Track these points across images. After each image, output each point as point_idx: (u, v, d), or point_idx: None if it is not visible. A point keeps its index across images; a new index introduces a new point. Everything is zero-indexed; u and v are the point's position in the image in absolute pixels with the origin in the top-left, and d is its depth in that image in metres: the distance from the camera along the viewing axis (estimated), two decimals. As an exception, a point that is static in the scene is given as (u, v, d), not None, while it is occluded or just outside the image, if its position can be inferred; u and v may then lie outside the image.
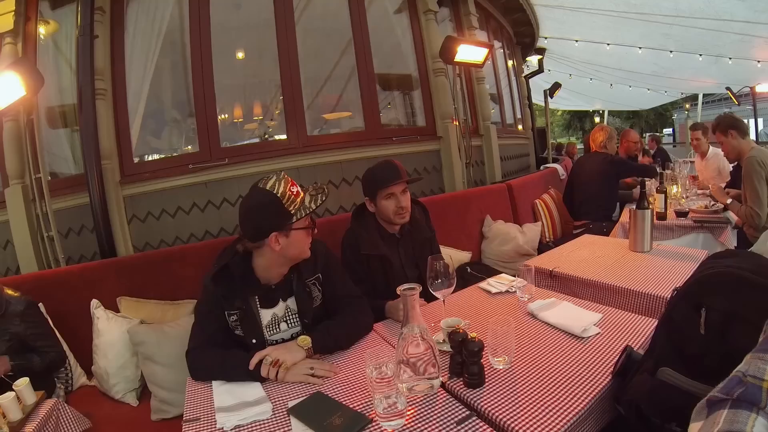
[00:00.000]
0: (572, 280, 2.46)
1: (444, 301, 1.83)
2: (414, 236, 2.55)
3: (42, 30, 3.76)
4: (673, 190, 4.12)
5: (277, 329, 1.97)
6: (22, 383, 1.87)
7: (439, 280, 1.75)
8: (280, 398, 1.55)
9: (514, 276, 2.38)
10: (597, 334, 1.73)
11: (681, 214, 3.65)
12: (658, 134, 11.38)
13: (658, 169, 4.76)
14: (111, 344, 2.58)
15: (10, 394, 1.76)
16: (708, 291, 1.24)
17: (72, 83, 3.60)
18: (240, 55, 4.34)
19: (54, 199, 3.50)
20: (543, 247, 4.03)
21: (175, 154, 4.20)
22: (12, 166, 3.46)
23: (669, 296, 2.01)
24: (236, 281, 1.88)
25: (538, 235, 4.13)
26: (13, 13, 3.51)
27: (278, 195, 1.78)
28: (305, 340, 1.78)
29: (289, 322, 1.99)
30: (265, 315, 1.96)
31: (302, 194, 1.87)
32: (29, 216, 3.45)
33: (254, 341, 1.90)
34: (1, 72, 3.01)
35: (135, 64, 3.67)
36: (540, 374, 1.49)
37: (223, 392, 1.64)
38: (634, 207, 2.83)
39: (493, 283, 2.35)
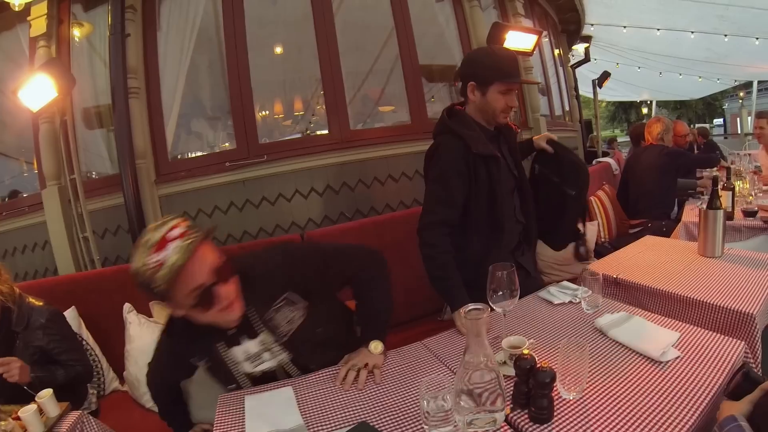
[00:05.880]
0: (639, 289, 2.21)
1: (504, 314, 1.63)
2: (506, 135, 2.25)
3: (77, 32, 3.77)
4: (739, 186, 3.78)
5: (259, 359, 1.72)
6: (45, 395, 1.79)
7: (501, 293, 1.55)
8: (320, 427, 1.38)
9: (571, 281, 2.18)
10: (677, 357, 1.48)
11: (749, 213, 3.32)
12: (705, 125, 10.78)
13: (721, 161, 4.44)
14: (142, 351, 2.49)
15: (32, 407, 1.69)
16: None
17: (108, 83, 3.55)
18: (278, 50, 4.25)
19: (91, 199, 3.51)
20: (599, 249, 3.79)
21: (211, 152, 4.12)
22: (48, 167, 3.51)
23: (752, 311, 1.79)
24: (192, 331, 1.60)
25: (595, 236, 3.87)
26: (45, 16, 3.54)
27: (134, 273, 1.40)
28: (378, 346, 1.70)
29: (271, 351, 1.72)
30: (238, 352, 1.69)
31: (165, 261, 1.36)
32: (66, 217, 3.48)
33: (233, 386, 1.73)
34: (34, 74, 3.02)
35: (169, 62, 3.62)
36: (616, 406, 1.28)
37: (255, 416, 1.48)
38: (704, 206, 2.55)
39: (555, 292, 2.11)
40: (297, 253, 1.78)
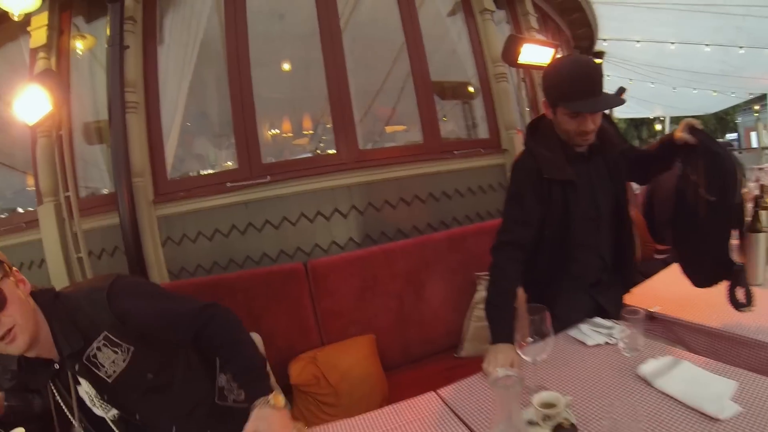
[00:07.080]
0: (679, 325, 2.01)
1: (535, 363, 1.43)
2: (606, 152, 1.98)
3: (79, 44, 3.65)
4: (773, 203, 3.56)
5: (106, 405, 1.54)
6: (19, 433, 1.60)
7: (531, 339, 1.36)
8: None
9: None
10: (738, 413, 1.26)
11: (782, 233, 3.13)
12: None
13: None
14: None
15: (0, 449, 1.50)
16: None
17: (110, 97, 3.45)
18: (286, 66, 4.10)
19: (90, 217, 3.38)
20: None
21: (212, 171, 3.94)
22: (45, 182, 3.37)
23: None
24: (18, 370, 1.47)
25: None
26: (46, 27, 3.41)
27: None
28: (279, 400, 1.40)
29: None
30: (82, 393, 1.53)
31: None
32: (62, 235, 3.34)
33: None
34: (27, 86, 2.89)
35: (170, 76, 3.46)
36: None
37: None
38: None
39: (588, 331, 1.89)
40: (124, 292, 1.51)
